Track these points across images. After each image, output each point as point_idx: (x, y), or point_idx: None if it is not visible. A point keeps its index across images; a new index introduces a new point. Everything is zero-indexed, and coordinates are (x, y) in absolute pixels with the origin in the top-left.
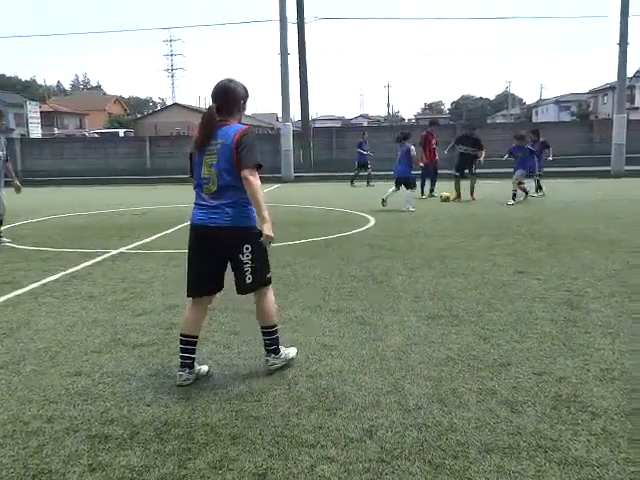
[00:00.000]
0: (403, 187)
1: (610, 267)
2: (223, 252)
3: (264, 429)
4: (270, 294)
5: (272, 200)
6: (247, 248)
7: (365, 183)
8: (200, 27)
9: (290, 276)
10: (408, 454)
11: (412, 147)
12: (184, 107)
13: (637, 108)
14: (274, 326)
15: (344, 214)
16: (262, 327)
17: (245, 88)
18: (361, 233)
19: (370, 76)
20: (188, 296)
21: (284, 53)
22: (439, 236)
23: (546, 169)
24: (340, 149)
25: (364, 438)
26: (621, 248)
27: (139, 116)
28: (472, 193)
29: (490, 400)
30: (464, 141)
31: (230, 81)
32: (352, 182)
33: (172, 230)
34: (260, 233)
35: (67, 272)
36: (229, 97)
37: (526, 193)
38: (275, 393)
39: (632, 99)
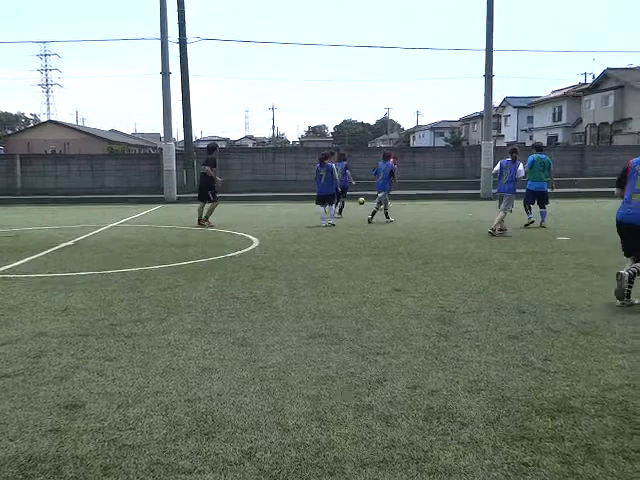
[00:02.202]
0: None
1: (479, 284)
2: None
3: (139, 458)
4: None
5: (153, 221)
6: None
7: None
8: (78, 42)
9: (170, 299)
10: (286, 474)
11: (334, 166)
12: (60, 124)
13: (503, 135)
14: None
15: (227, 235)
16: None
17: None
18: (244, 254)
19: (256, 98)
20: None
21: (166, 73)
22: (322, 256)
23: (422, 191)
24: (225, 170)
25: (243, 460)
26: (489, 266)
27: (9, 133)
28: (206, 218)
29: (367, 415)
30: (204, 162)
31: None
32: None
33: (44, 253)
34: None
35: None
36: None
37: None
38: (151, 420)
39: (499, 127)
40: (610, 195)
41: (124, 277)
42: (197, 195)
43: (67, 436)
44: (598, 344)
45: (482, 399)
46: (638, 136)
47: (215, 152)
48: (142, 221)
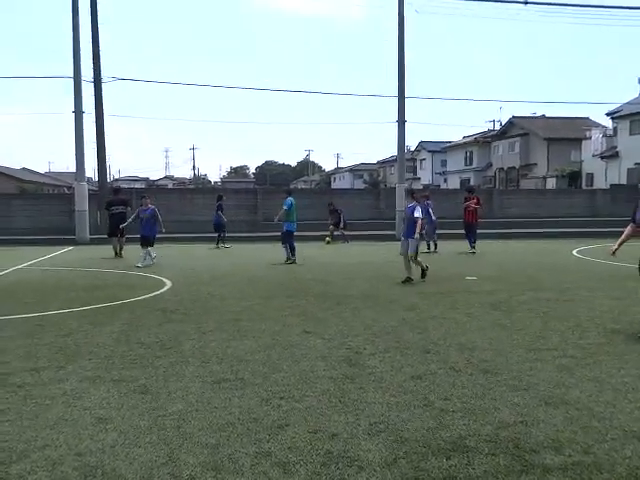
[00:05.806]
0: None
1: (388, 324)
2: None
3: None
4: None
5: (62, 263)
6: None
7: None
8: None
9: (71, 345)
10: None
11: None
12: None
13: (419, 178)
14: None
15: (140, 277)
16: None
17: None
18: (155, 297)
19: (176, 138)
20: None
21: (79, 111)
22: (234, 299)
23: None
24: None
25: None
26: (399, 306)
27: None
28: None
29: (265, 462)
30: (115, 203)
31: None
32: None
33: None
34: None
35: None
36: None
37: None
38: (36, 476)
39: (415, 170)
40: (516, 236)
41: (24, 323)
42: (109, 232)
43: None
44: (496, 382)
45: (381, 441)
46: (542, 180)
47: (120, 193)
48: (50, 263)
